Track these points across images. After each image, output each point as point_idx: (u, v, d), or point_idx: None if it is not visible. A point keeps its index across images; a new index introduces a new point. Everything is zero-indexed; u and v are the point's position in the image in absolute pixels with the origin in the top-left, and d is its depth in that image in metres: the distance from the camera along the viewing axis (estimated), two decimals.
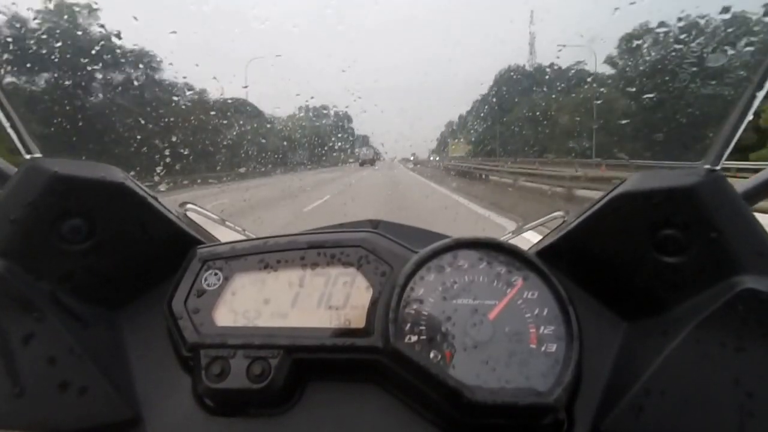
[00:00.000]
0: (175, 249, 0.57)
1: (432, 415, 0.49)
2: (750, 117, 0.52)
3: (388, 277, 0.53)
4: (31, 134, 0.56)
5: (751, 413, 0.40)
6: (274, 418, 0.49)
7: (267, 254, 0.55)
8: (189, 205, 0.76)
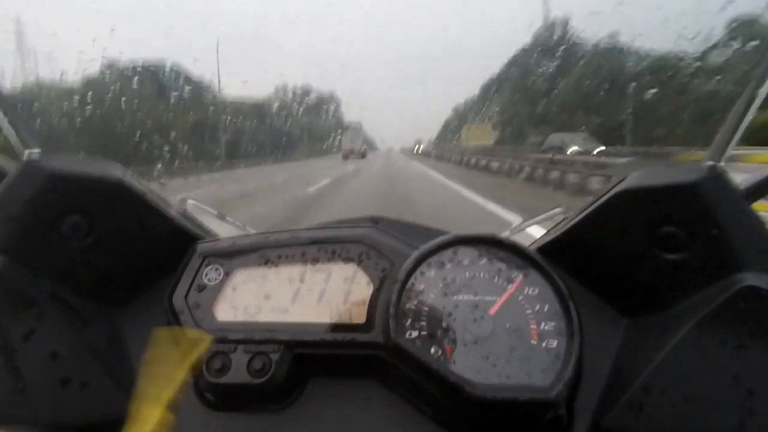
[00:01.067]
0: (175, 245, 0.57)
1: (432, 410, 0.49)
2: (753, 113, 0.51)
3: (389, 273, 0.52)
4: (29, 131, 0.56)
5: (752, 411, 0.40)
6: (275, 413, 0.49)
7: (267, 250, 0.55)
8: (189, 201, 0.75)
